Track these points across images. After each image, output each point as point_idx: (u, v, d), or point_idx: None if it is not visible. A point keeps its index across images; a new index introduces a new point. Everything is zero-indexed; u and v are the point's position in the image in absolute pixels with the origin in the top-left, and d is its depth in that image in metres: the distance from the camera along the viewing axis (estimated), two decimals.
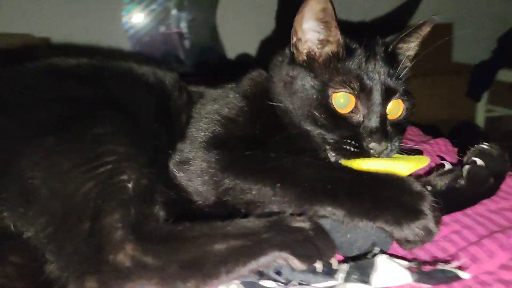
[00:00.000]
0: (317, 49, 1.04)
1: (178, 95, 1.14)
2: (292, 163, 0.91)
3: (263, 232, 0.75)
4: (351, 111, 0.99)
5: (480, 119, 3.07)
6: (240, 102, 1.08)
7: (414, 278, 0.70)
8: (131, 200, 0.77)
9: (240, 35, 2.54)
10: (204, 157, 0.97)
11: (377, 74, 1.00)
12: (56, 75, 1.00)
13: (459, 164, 1.01)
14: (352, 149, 0.96)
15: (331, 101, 0.99)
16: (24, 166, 0.79)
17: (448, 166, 1.02)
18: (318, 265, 0.74)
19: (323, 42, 1.03)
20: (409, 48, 1.07)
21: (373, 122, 0.97)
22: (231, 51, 2.69)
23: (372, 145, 0.95)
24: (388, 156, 0.98)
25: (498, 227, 0.93)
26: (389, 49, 1.06)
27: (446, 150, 1.34)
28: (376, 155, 0.96)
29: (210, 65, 2.82)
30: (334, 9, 0.98)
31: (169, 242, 0.74)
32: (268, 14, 2.54)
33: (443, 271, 0.71)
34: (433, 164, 1.11)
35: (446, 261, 0.74)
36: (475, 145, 0.98)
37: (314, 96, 1.00)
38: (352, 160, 0.96)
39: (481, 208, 0.99)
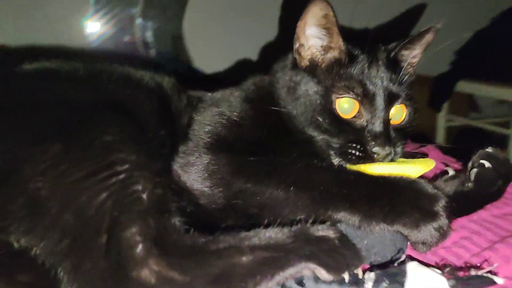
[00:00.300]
0: (319, 55, 1.04)
1: (178, 98, 1.10)
2: (306, 167, 0.90)
3: (289, 242, 0.72)
4: (355, 116, 0.99)
5: (440, 129, 3.16)
6: (244, 106, 1.06)
7: (451, 284, 0.69)
8: (148, 212, 0.72)
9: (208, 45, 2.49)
10: (211, 159, 0.94)
11: (379, 80, 1.00)
12: (54, 79, 0.94)
13: (462, 170, 1.02)
14: (356, 153, 0.96)
15: (335, 106, 0.99)
16: (29, 175, 0.72)
17: (451, 172, 1.02)
18: (346, 275, 0.72)
19: (326, 49, 1.04)
20: (412, 55, 1.08)
21: (377, 126, 0.97)
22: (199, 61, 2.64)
23: (376, 149, 0.95)
24: (392, 161, 0.97)
25: (507, 232, 0.94)
26: (391, 56, 1.06)
27: (438, 157, 1.35)
28: (380, 160, 0.96)
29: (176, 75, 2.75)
30: (335, 15, 0.98)
31: (194, 256, 0.70)
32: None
33: (479, 276, 0.70)
34: (437, 171, 1.11)
35: (478, 267, 0.73)
36: (479, 150, 0.98)
37: (318, 102, 1.00)
38: (357, 165, 0.95)
39: (485, 213, 1.00)
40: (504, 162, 0.95)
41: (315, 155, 0.99)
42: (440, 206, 0.80)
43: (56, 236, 0.70)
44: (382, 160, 0.96)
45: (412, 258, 0.79)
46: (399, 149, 1.00)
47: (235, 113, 1.04)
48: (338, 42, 1.02)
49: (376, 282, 0.74)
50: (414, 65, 1.10)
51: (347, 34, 1.03)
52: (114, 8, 2.63)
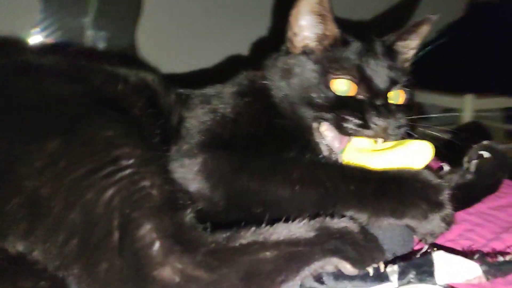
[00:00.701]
0: (314, 43, 1.01)
1: (166, 95, 1.03)
2: (310, 163, 0.87)
3: (312, 236, 0.69)
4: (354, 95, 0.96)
5: None
6: (238, 101, 1.01)
7: (484, 269, 0.66)
8: (161, 208, 0.67)
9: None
10: (208, 158, 0.88)
11: (376, 65, 0.98)
12: (42, 74, 0.85)
13: (457, 167, 1.01)
14: (355, 120, 0.91)
15: (331, 86, 0.95)
16: (25, 174, 0.66)
17: (447, 167, 1.01)
18: (370, 269, 0.69)
19: (320, 36, 1.01)
20: (408, 45, 1.07)
21: (377, 101, 0.94)
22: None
23: (375, 119, 0.91)
24: (391, 134, 0.94)
25: (507, 222, 0.95)
26: (387, 45, 1.05)
27: None
28: (380, 134, 0.92)
29: None
30: (330, 2, 0.96)
31: (218, 253, 0.64)
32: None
33: (509, 262, 0.68)
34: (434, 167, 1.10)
35: (503, 253, 0.71)
36: (476, 144, 0.98)
37: (314, 80, 0.97)
38: (359, 156, 0.91)
39: (482, 206, 1.00)
40: (502, 153, 0.95)
41: (307, 144, 0.96)
42: (444, 195, 0.79)
43: (62, 237, 0.64)
44: (383, 133, 0.92)
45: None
46: (402, 121, 0.96)
47: (228, 109, 0.99)
48: (333, 29, 1.00)
49: (402, 274, 0.70)
50: (410, 56, 1.09)
51: (343, 25, 1.01)
52: (63, 18, 2.51)
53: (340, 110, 0.93)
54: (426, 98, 2.98)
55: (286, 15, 1.01)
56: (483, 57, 2.89)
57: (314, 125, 0.96)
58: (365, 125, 0.91)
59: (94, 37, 2.72)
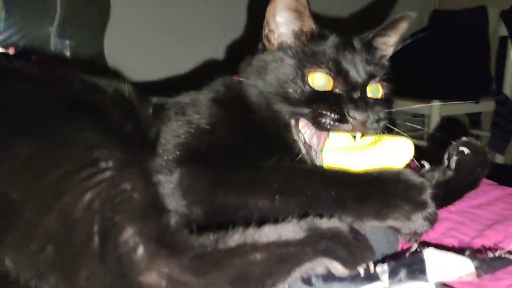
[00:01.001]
0: (290, 40, 1.00)
1: (142, 107, 1.00)
2: (289, 171, 0.85)
3: (302, 237, 0.66)
4: (331, 89, 0.95)
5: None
6: (214, 110, 0.98)
7: (476, 265, 0.66)
8: (144, 211, 0.63)
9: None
10: (184, 174, 0.85)
11: (354, 59, 0.97)
12: (10, 77, 0.82)
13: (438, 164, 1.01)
14: (332, 115, 0.90)
15: (307, 80, 0.94)
16: None
17: (427, 165, 1.01)
18: (361, 270, 0.67)
19: (297, 32, 1.00)
20: (386, 42, 1.07)
21: (354, 95, 0.93)
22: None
23: (352, 112, 0.89)
24: (370, 128, 0.93)
25: (489, 220, 0.95)
26: (365, 41, 1.04)
27: None
28: (358, 127, 0.91)
29: None
30: None
31: (207, 256, 0.62)
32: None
33: (499, 258, 0.68)
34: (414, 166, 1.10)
35: (492, 249, 0.71)
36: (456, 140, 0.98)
37: (290, 74, 0.95)
38: (339, 155, 0.90)
39: (464, 205, 1.01)
40: (481, 149, 0.96)
41: (287, 147, 0.94)
42: (426, 194, 0.78)
43: (36, 244, 0.59)
44: (361, 127, 0.91)
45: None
46: (380, 114, 0.95)
47: (203, 120, 0.96)
48: (310, 25, 0.99)
49: (393, 273, 0.69)
50: (388, 53, 1.09)
51: (319, 21, 1.01)
52: (27, 26, 2.44)
53: (317, 104, 0.92)
54: (394, 104, 3.02)
55: (262, 13, 1.00)
56: (447, 64, 2.95)
57: (292, 122, 0.94)
58: (342, 119, 0.90)
59: (59, 46, 2.65)
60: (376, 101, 0.97)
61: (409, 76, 2.84)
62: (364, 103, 0.91)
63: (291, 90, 0.94)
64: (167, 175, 0.85)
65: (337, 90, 0.94)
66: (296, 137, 0.95)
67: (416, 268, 0.68)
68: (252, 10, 2.31)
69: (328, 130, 0.91)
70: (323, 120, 0.90)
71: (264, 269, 0.62)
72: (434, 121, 2.77)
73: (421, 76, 2.88)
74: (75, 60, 2.16)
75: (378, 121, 0.94)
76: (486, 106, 3.02)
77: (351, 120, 0.90)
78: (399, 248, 0.85)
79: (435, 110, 2.77)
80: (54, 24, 2.48)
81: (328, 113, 0.90)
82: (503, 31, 2.98)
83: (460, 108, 2.97)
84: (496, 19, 3.02)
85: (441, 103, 2.75)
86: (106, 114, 0.83)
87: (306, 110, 0.92)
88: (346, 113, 0.89)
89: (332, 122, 0.90)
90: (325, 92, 0.94)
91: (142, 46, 2.27)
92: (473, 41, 3.07)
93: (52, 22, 2.48)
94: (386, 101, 1.01)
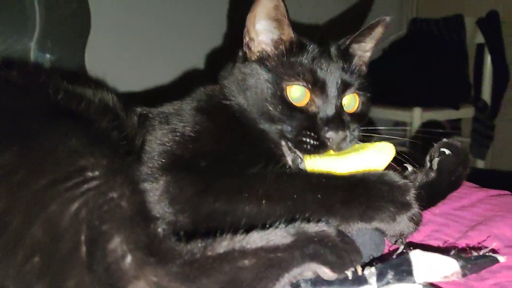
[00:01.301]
0: (270, 48, 1.02)
1: (128, 116, 0.99)
2: (275, 176, 0.85)
3: (290, 242, 0.67)
4: (307, 104, 0.97)
5: None
6: (198, 118, 0.99)
7: (461, 265, 0.67)
8: (132, 219, 0.63)
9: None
10: (170, 182, 0.85)
11: (330, 69, 0.99)
12: None
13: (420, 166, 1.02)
14: (311, 141, 0.93)
15: (286, 94, 0.96)
16: None
17: (410, 168, 1.02)
18: (349, 273, 0.68)
19: (276, 41, 1.02)
20: (363, 48, 1.09)
21: (329, 111, 0.95)
22: None
23: (329, 134, 0.92)
24: (347, 146, 0.95)
25: (472, 221, 0.96)
26: (342, 48, 1.06)
27: None
28: (334, 147, 0.93)
29: None
30: (286, 6, 0.97)
31: (195, 263, 0.62)
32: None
33: (483, 256, 0.69)
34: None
35: (476, 248, 0.72)
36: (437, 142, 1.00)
37: (269, 90, 0.97)
38: (315, 156, 0.93)
39: (447, 208, 1.02)
40: (462, 149, 0.97)
41: (272, 155, 0.95)
42: (411, 195, 0.80)
43: (22, 254, 0.59)
44: (338, 146, 0.93)
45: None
46: (355, 133, 0.98)
47: (188, 128, 0.97)
48: (289, 34, 1.00)
49: (380, 275, 0.70)
50: (366, 59, 1.11)
51: (298, 28, 1.02)
52: (7, 39, 2.41)
53: (297, 123, 0.94)
54: (376, 112, 3.05)
55: (243, 21, 1.01)
56: (427, 72, 3.00)
57: (282, 142, 0.96)
58: (321, 145, 0.93)
59: (40, 59, 2.62)
60: (352, 117, 0.99)
61: (390, 84, 2.90)
62: (340, 123, 0.94)
63: (271, 108, 0.96)
64: (153, 183, 0.85)
65: (313, 108, 0.96)
66: (284, 152, 0.96)
67: (403, 270, 0.69)
68: (233, 19, 2.32)
69: (309, 154, 0.93)
70: (304, 146, 0.93)
71: (253, 274, 0.62)
72: (416, 128, 2.80)
73: (402, 84, 2.92)
74: (58, 70, 2.14)
75: (351, 140, 0.97)
76: (466, 113, 3.07)
77: (329, 144, 0.93)
78: (386, 250, 0.85)
79: (416, 117, 2.81)
80: (33, 38, 2.46)
81: (308, 140, 0.92)
82: (480, 38, 3.04)
83: (440, 115, 3.01)
84: (473, 27, 3.08)
85: (422, 110, 2.79)
86: (91, 123, 0.82)
87: (289, 128, 0.95)
88: (324, 139, 0.92)
89: (312, 148, 0.93)
90: (302, 111, 0.96)
91: (124, 57, 2.25)
92: (451, 49, 3.12)
93: (32, 36, 2.46)
94: (361, 115, 1.04)
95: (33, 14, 2.44)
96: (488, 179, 1.30)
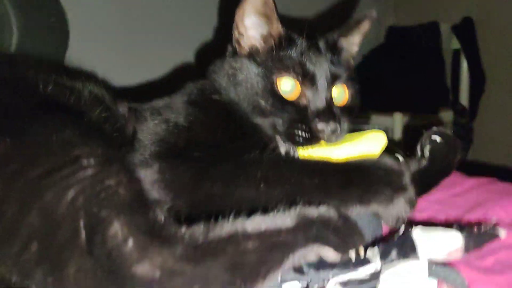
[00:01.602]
0: (259, 43, 1.02)
1: (117, 108, 0.98)
2: (272, 161, 0.85)
3: (293, 224, 0.66)
4: (298, 98, 0.97)
5: None
6: (190, 110, 0.98)
7: (464, 236, 0.66)
8: (131, 205, 0.62)
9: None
10: (166, 168, 0.84)
11: (319, 61, 0.99)
12: None
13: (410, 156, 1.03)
14: (303, 134, 0.93)
15: (276, 87, 0.96)
16: None
17: (401, 158, 1.03)
18: (353, 255, 0.68)
19: (265, 36, 1.02)
20: (350, 41, 1.10)
21: (319, 103, 0.96)
22: None
23: (320, 125, 0.93)
24: (338, 138, 0.96)
25: (468, 206, 0.97)
26: (330, 42, 1.07)
27: None
28: (325, 139, 0.94)
29: None
30: (274, 1, 0.98)
31: (200, 245, 0.61)
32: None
33: (486, 230, 0.69)
34: None
35: (477, 224, 0.72)
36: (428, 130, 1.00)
37: (259, 84, 0.97)
38: (308, 148, 0.93)
39: (441, 195, 1.02)
40: (451, 136, 0.98)
41: (266, 147, 0.94)
42: (406, 179, 0.81)
43: (19, 242, 0.58)
44: (329, 138, 0.94)
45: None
46: (345, 125, 0.99)
47: (181, 118, 0.96)
48: (278, 28, 1.01)
49: (384, 254, 0.70)
50: (353, 53, 1.12)
51: (286, 22, 1.03)
52: None
53: (288, 116, 0.94)
54: (357, 118, 3.07)
55: (233, 15, 1.01)
56: (406, 78, 3.04)
57: (277, 137, 0.96)
58: (312, 136, 0.93)
59: None
60: (342, 111, 1.00)
61: (371, 90, 2.93)
62: (331, 114, 0.94)
63: (262, 102, 0.96)
64: (147, 169, 0.84)
65: (303, 101, 0.96)
66: (278, 140, 0.96)
67: (407, 247, 0.69)
68: (223, 13, 2.31)
69: (301, 146, 0.94)
70: (296, 138, 0.93)
71: (258, 257, 0.62)
72: (397, 132, 2.83)
73: (382, 90, 2.95)
74: (46, 62, 2.10)
75: (341, 133, 0.97)
76: (445, 116, 3.11)
77: (320, 135, 0.93)
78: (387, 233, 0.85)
79: (397, 122, 2.84)
80: (12, 47, 2.42)
81: (299, 132, 0.93)
82: (456, 44, 3.11)
83: (420, 119, 3.04)
84: (448, 33, 3.14)
85: (402, 115, 2.83)
86: (83, 114, 0.81)
87: (280, 122, 0.95)
88: (315, 131, 0.93)
89: (304, 141, 0.93)
90: (293, 104, 0.96)
91: (112, 52, 2.22)
92: (428, 55, 3.17)
93: (9, 45, 2.42)
94: (351, 108, 1.04)
95: (9, 23, 2.38)
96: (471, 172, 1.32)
